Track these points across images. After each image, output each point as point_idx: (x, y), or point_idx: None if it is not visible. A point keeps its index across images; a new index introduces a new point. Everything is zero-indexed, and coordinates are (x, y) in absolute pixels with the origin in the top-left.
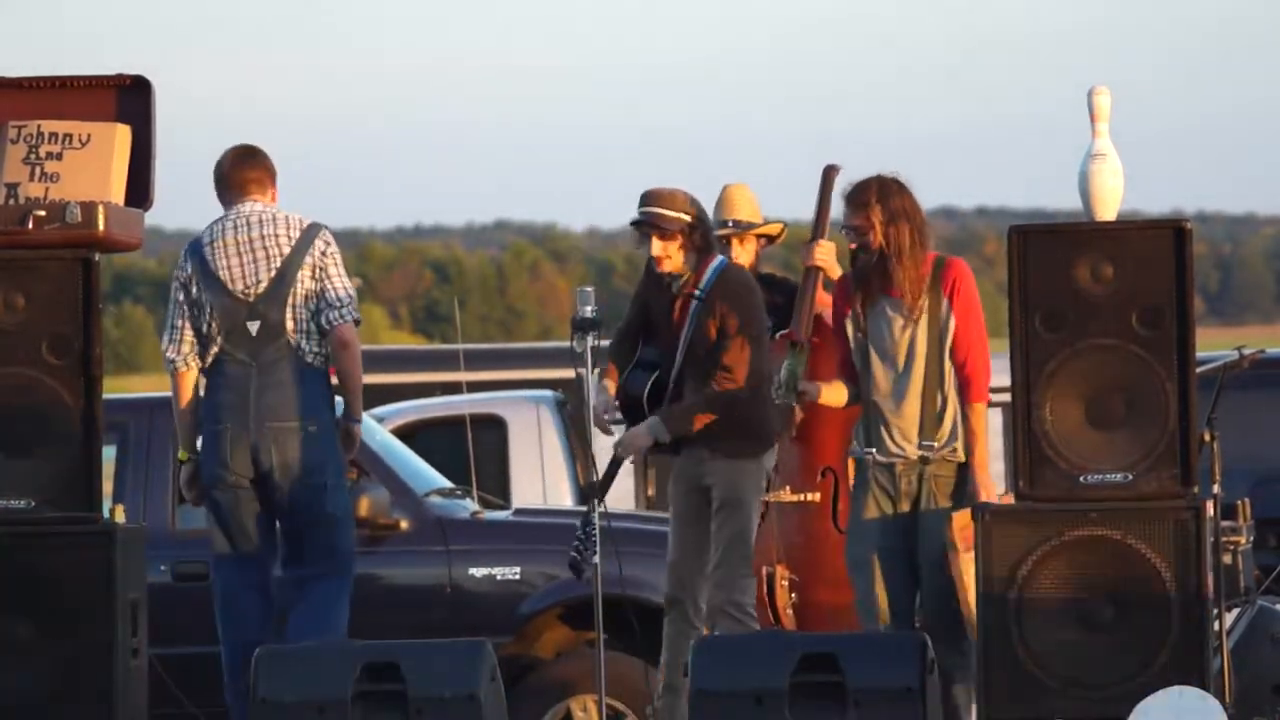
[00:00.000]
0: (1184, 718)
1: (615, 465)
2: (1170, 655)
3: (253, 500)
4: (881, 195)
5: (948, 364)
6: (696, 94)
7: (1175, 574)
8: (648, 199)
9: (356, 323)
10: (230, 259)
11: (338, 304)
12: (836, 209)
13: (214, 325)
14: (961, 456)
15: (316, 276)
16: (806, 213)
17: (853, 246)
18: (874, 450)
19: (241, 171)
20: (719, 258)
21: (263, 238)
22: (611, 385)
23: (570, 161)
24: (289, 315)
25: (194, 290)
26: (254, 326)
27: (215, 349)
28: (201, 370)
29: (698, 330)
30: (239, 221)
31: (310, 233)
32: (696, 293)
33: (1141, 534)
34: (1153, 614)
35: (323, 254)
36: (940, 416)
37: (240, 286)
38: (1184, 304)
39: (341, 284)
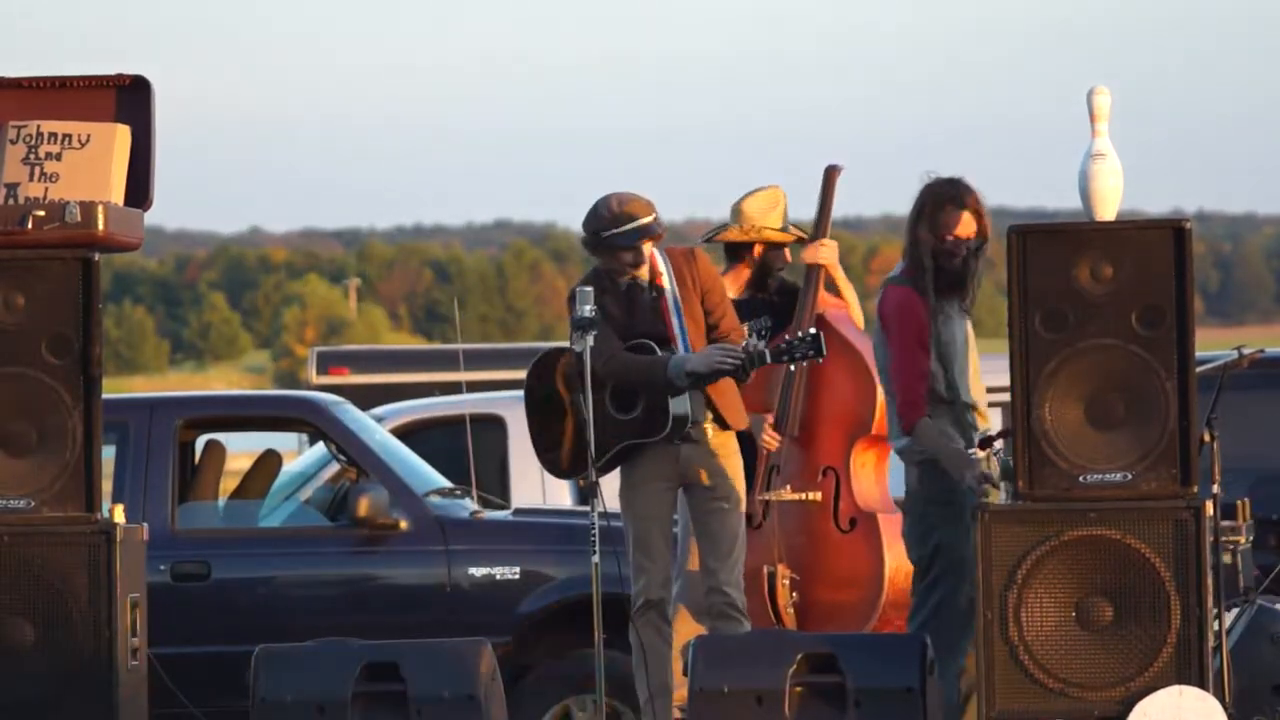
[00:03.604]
0: (1184, 718)
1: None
2: (1170, 655)
3: None
4: (979, 200)
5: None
6: (697, 94)
7: (1175, 574)
8: (639, 210)
9: None
10: None
11: None
12: (838, 209)
13: None
14: None
15: None
16: (807, 212)
17: (961, 252)
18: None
19: None
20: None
21: None
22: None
23: (570, 161)
24: None
25: None
26: None
27: None
28: None
29: (688, 308)
30: None
31: None
32: (664, 281)
33: (1141, 534)
34: (1153, 614)
35: None
36: None
37: None
38: (1184, 304)
39: None
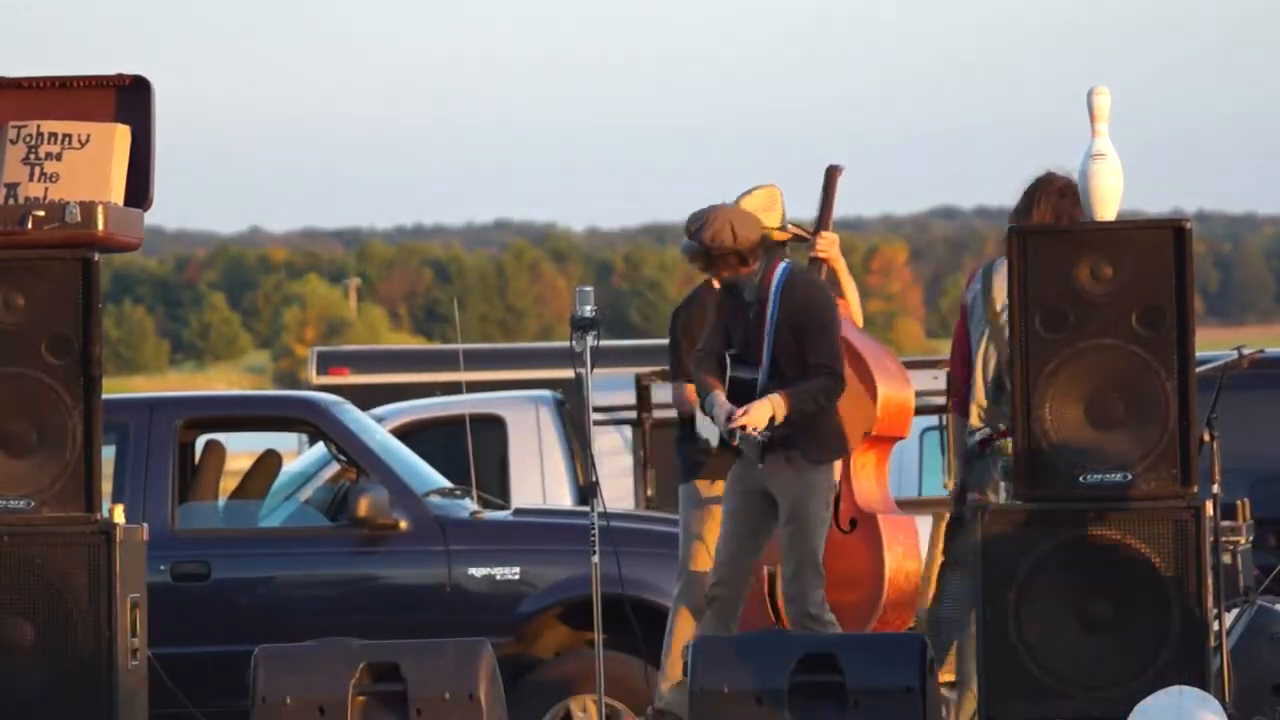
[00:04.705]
0: (1184, 718)
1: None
2: (1170, 655)
3: None
4: None
5: None
6: (696, 94)
7: (1175, 574)
8: (701, 233)
9: None
10: None
11: None
12: (838, 209)
13: None
14: None
15: None
16: (806, 212)
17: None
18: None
19: None
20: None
21: None
22: (719, 393)
23: (570, 161)
24: None
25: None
26: None
27: None
28: None
29: (781, 335)
30: None
31: None
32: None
33: (1141, 534)
34: (1153, 614)
35: None
36: None
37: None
38: (1184, 304)
39: None
